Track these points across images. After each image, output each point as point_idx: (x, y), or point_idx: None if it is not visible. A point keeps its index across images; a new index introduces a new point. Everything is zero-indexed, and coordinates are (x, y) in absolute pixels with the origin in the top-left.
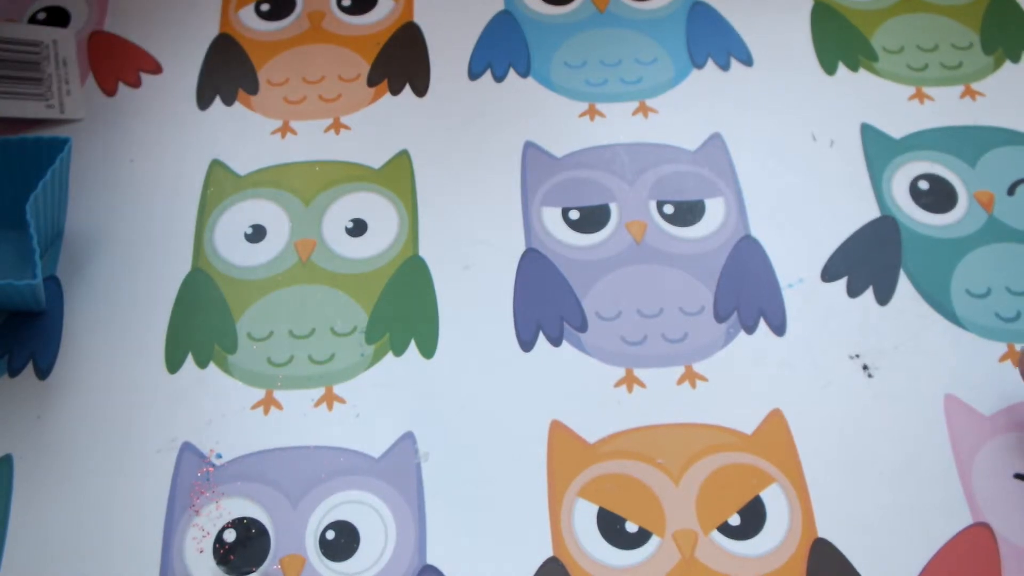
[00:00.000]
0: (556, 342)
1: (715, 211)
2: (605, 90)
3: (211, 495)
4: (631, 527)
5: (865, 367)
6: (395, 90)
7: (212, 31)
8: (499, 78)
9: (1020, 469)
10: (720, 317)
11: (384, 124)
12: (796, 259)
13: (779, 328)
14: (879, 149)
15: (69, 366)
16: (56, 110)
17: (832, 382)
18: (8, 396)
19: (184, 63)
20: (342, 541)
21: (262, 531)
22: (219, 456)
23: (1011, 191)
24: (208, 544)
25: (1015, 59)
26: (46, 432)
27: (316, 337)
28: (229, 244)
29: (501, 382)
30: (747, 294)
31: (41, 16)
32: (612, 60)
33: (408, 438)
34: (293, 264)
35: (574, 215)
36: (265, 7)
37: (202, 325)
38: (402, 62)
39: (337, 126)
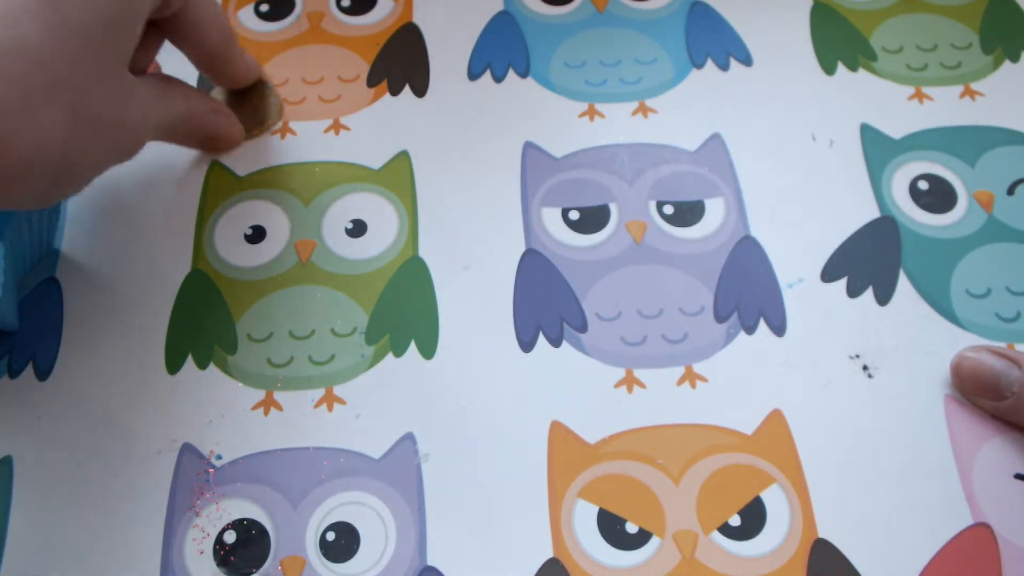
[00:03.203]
0: (556, 343)
1: (715, 211)
2: (605, 90)
3: (211, 496)
4: (631, 528)
5: (865, 367)
6: (395, 91)
7: None
8: (498, 78)
9: (1020, 469)
10: (720, 317)
11: (384, 125)
12: (796, 259)
13: (779, 328)
14: (879, 149)
15: (69, 367)
16: None
17: (832, 382)
18: (8, 397)
19: (183, 63)
20: (342, 542)
21: (262, 532)
22: (219, 457)
23: (1011, 191)
24: (208, 545)
25: (1014, 59)
26: (46, 433)
27: (316, 338)
28: (229, 245)
29: (501, 383)
30: (747, 294)
31: None
32: (611, 60)
33: (408, 439)
34: (293, 265)
35: (574, 215)
36: (264, 8)
37: (202, 326)
38: (401, 63)
39: (337, 127)
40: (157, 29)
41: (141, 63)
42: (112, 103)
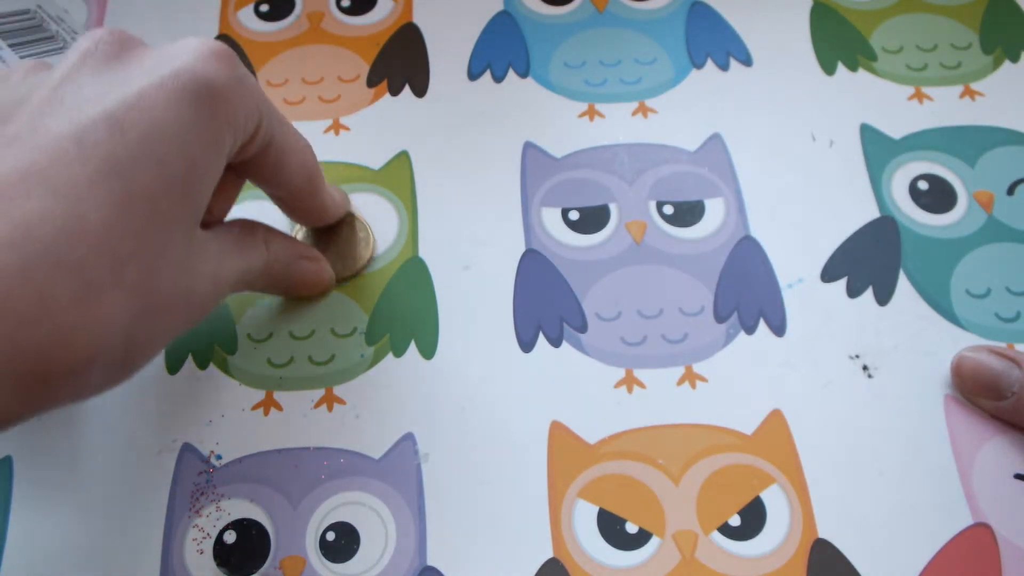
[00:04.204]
0: (556, 343)
1: (715, 211)
2: (605, 90)
3: (211, 496)
4: (631, 528)
5: (865, 367)
6: (394, 91)
7: (211, 32)
8: (498, 78)
9: (1020, 469)
10: (720, 317)
11: (384, 125)
12: (796, 259)
13: (779, 328)
14: (878, 149)
15: None
16: None
17: (832, 382)
18: None
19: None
20: (342, 542)
21: (262, 532)
22: (219, 457)
23: (1011, 191)
24: (208, 546)
25: (1014, 59)
26: (46, 433)
27: (316, 338)
28: None
29: (501, 383)
30: (747, 294)
31: None
32: (611, 60)
33: (408, 439)
34: None
35: (574, 215)
36: (264, 8)
37: (202, 326)
38: (401, 63)
39: (337, 127)
40: (234, 170)
41: (217, 212)
42: (182, 273)
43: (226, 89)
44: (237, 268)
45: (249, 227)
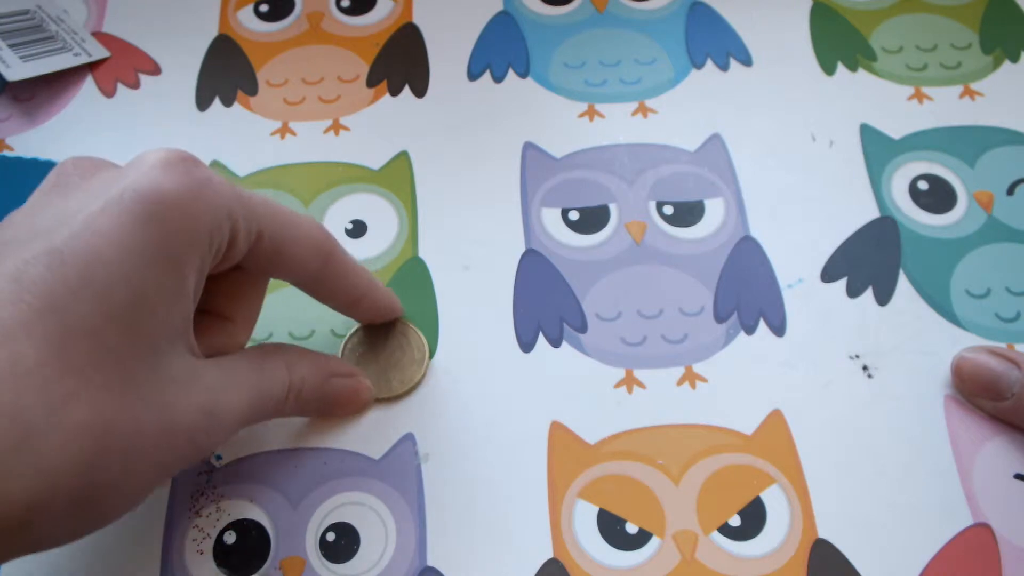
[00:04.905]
0: (556, 343)
1: (715, 211)
2: (604, 90)
3: (211, 496)
4: (631, 528)
5: (865, 367)
6: (394, 91)
7: (211, 32)
8: (498, 79)
9: (1020, 469)
10: (720, 318)
11: (383, 125)
12: (796, 259)
13: (779, 328)
14: (878, 149)
15: None
16: (84, 56)
17: (832, 382)
18: None
19: (183, 64)
20: (342, 543)
21: (262, 533)
22: (219, 457)
23: (1011, 191)
24: (208, 546)
25: (1014, 59)
26: None
27: (316, 339)
28: None
29: (501, 383)
30: (747, 295)
31: None
32: (611, 60)
33: (408, 439)
34: None
35: (574, 216)
36: (264, 8)
37: None
38: (401, 63)
39: (336, 127)
40: (243, 272)
41: (240, 320)
42: (150, 407)
43: (181, 201)
44: (246, 397)
45: (270, 351)
